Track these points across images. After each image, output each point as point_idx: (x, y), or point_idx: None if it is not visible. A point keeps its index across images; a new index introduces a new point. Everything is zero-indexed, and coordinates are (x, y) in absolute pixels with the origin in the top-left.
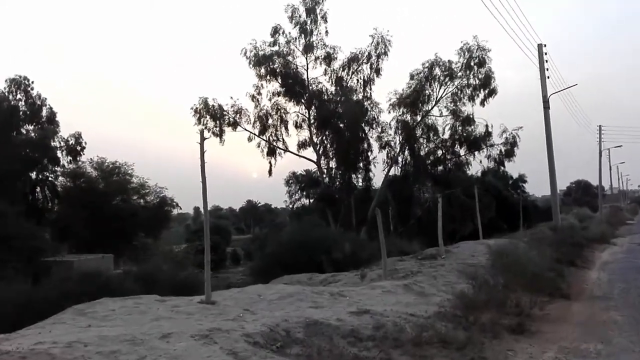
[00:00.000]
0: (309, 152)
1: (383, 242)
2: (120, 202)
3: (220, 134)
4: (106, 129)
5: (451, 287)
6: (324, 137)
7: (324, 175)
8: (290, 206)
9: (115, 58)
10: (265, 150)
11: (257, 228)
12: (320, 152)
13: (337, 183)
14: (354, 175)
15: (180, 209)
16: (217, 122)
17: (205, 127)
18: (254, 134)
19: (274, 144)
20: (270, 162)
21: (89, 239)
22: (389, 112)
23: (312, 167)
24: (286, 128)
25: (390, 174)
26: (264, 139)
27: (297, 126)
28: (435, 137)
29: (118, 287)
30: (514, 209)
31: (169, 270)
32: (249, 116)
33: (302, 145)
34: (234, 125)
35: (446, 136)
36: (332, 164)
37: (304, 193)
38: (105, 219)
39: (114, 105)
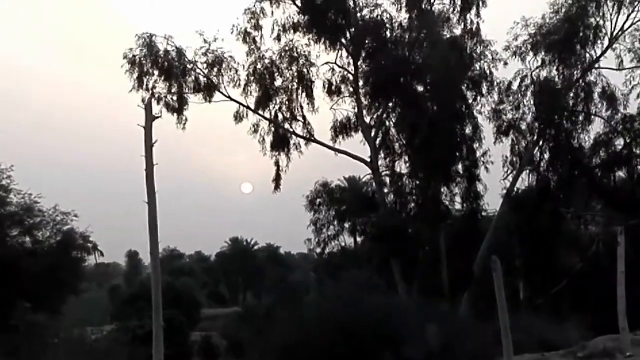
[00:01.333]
0: (355, 144)
1: (506, 326)
2: None
3: (179, 108)
4: None
5: None
6: (386, 114)
7: (386, 190)
8: (319, 250)
9: None
10: (269, 138)
11: (251, 293)
12: (379, 143)
13: (412, 205)
14: (444, 190)
15: (103, 255)
16: (174, 83)
17: (152, 95)
18: (247, 107)
19: (286, 125)
20: (277, 163)
21: None
22: (513, 61)
23: (362, 172)
24: (309, 95)
25: (518, 186)
26: (265, 117)
27: (333, 91)
28: (611, 111)
29: None
30: None
31: None
32: (237, 72)
33: (341, 129)
34: (208, 90)
35: (633, 110)
36: (402, 166)
37: (346, 225)
38: None
39: None
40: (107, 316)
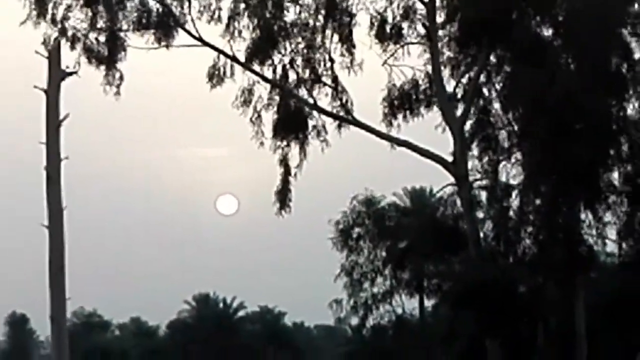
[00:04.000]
0: (424, 129)
1: None
2: None
3: (110, 56)
4: None
5: None
6: (484, 76)
7: (481, 215)
8: (355, 322)
9: None
10: (272, 114)
11: None
12: (470, 128)
13: (528, 242)
14: (587, 216)
15: None
16: (101, 11)
17: (63, 31)
18: (233, 58)
19: (302, 93)
20: (285, 160)
21: None
22: None
23: (437, 180)
24: (346, 39)
25: None
26: (264, 77)
27: (387, 34)
28: None
29: None
30: None
31: None
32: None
33: (400, 103)
34: (163, 25)
35: None
36: (510, 172)
37: (405, 276)
38: None
39: None
40: None
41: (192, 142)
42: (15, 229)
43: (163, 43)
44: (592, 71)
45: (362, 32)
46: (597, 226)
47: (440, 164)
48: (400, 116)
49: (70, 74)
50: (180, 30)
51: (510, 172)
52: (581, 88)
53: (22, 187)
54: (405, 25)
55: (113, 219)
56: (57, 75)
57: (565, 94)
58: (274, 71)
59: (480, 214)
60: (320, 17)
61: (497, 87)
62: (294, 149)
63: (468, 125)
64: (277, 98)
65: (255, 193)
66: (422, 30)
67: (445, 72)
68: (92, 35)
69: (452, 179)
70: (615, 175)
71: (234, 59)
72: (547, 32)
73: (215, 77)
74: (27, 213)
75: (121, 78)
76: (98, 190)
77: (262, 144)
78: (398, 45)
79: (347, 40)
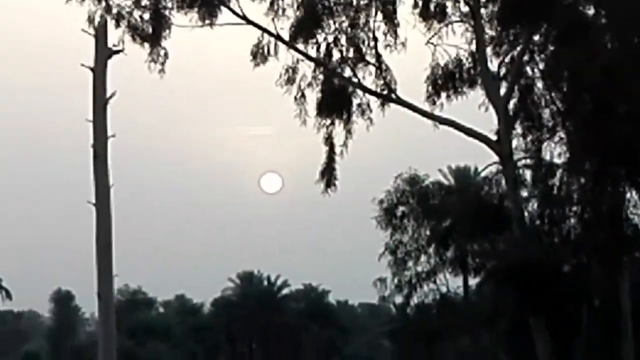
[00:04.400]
0: (468, 108)
1: None
2: None
3: (154, 34)
4: None
5: None
6: (527, 55)
7: (525, 194)
8: (400, 300)
9: None
10: (316, 93)
11: None
12: (513, 107)
13: (572, 222)
14: (633, 196)
15: (10, 297)
16: None
17: (108, 9)
18: (277, 37)
19: (347, 72)
20: (329, 138)
21: None
22: None
23: (481, 159)
24: (390, 18)
25: None
26: (308, 56)
27: (431, 13)
28: None
29: None
30: None
31: None
32: None
33: (444, 82)
34: (208, 3)
35: None
36: (555, 151)
37: (449, 254)
38: None
39: None
40: None
41: (237, 120)
42: (62, 207)
43: (207, 21)
44: (635, 50)
45: (406, 11)
46: None
47: (484, 142)
48: (443, 95)
49: (117, 52)
50: (224, 9)
51: (554, 151)
52: (623, 67)
53: (70, 165)
54: (449, 3)
55: (159, 197)
56: (103, 53)
57: (607, 72)
58: (318, 50)
59: (525, 193)
60: None
61: (540, 66)
62: (338, 127)
63: (511, 104)
64: (321, 77)
65: (299, 171)
66: (466, 9)
67: (488, 51)
68: (137, 13)
69: (496, 158)
70: None
71: (277, 37)
72: (590, 11)
73: (259, 55)
74: (75, 191)
75: (166, 56)
76: (144, 168)
77: (305, 122)
78: (442, 24)
79: (390, 19)
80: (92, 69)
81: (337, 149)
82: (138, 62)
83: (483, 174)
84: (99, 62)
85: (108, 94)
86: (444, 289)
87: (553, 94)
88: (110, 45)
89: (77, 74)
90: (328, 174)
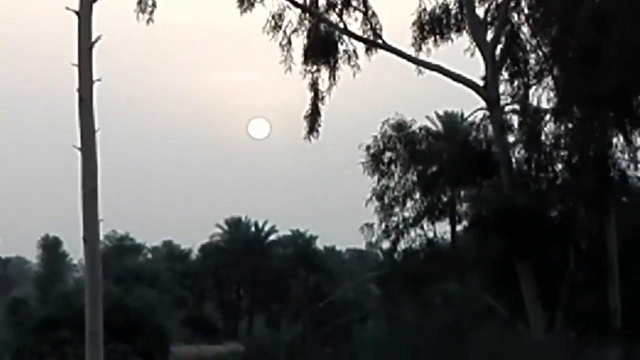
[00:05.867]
0: (455, 54)
1: None
2: None
3: None
4: None
5: None
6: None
7: (512, 139)
8: (387, 245)
9: None
10: (302, 40)
11: (262, 319)
12: (500, 52)
13: (559, 167)
14: (619, 140)
15: None
16: None
17: None
18: None
19: (333, 18)
20: (315, 85)
21: None
22: None
23: (468, 105)
24: None
25: None
26: (295, 2)
27: None
28: None
29: None
30: None
31: None
32: None
33: (431, 27)
34: None
35: None
36: (542, 96)
37: (436, 200)
38: None
39: None
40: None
41: (225, 66)
42: (48, 152)
43: None
44: None
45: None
46: (629, 150)
47: (471, 88)
48: (430, 40)
49: None
50: None
51: (542, 96)
52: (611, 11)
53: (55, 109)
54: None
55: (146, 142)
56: None
57: (595, 17)
58: None
59: (512, 139)
60: None
61: (526, 11)
62: (324, 73)
63: (498, 50)
64: (307, 23)
65: (287, 117)
66: None
67: None
68: None
69: (483, 104)
70: None
71: None
72: None
73: (246, 1)
74: (60, 135)
75: (154, 5)
76: (131, 113)
77: (290, 69)
78: None
79: None
80: (77, 13)
81: (322, 95)
82: (126, 9)
83: (470, 120)
84: (84, 5)
85: (93, 38)
86: (431, 235)
87: (539, 40)
88: None
89: (63, 18)
90: (311, 120)
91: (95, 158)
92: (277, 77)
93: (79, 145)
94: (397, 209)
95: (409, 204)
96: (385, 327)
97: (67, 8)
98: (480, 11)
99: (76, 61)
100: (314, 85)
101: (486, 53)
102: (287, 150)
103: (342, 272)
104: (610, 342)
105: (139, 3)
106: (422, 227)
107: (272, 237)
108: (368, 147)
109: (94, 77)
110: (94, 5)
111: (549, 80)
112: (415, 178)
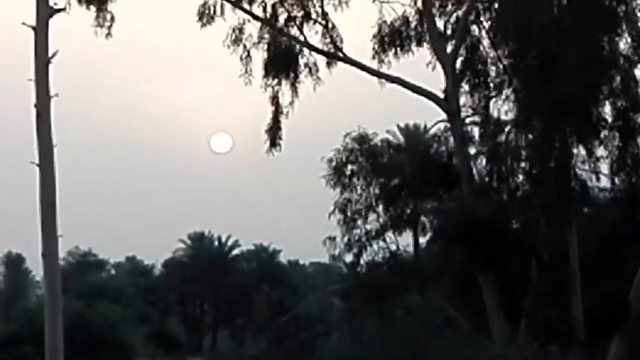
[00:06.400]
0: (416, 66)
1: None
2: None
3: None
4: None
5: None
6: (473, 12)
7: (473, 151)
8: (350, 259)
9: None
10: (263, 53)
11: (226, 334)
12: (460, 65)
13: (521, 179)
14: (579, 151)
15: None
16: None
17: None
18: None
19: (293, 31)
20: (276, 99)
21: None
22: None
23: (429, 117)
24: None
25: None
26: (255, 16)
27: None
28: None
29: None
30: None
31: None
32: None
33: (391, 40)
34: None
35: None
36: (503, 108)
37: (399, 212)
38: None
39: None
40: None
41: (187, 80)
42: (6, 167)
43: None
44: (583, 4)
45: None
46: (590, 161)
47: (432, 100)
48: (391, 53)
49: (59, 10)
50: None
51: (502, 108)
52: (570, 21)
53: (12, 124)
54: None
55: (107, 157)
56: (45, 11)
57: (554, 26)
58: (264, 9)
59: (473, 150)
60: None
61: (486, 23)
62: (285, 87)
63: (458, 63)
64: (267, 36)
65: (250, 131)
66: None
67: (435, 11)
68: None
69: (444, 116)
70: (607, 109)
71: None
72: None
73: (206, 15)
74: (18, 150)
75: (112, 19)
76: (90, 128)
77: (250, 82)
78: None
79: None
80: (33, 28)
81: (284, 109)
82: (84, 23)
83: (432, 132)
84: (40, 21)
85: (50, 53)
86: (393, 247)
87: (499, 52)
88: (52, 4)
89: (20, 34)
90: (273, 134)
91: (53, 174)
92: (239, 91)
93: (37, 161)
94: (359, 222)
95: (371, 216)
96: (349, 341)
97: (24, 23)
98: (440, 24)
99: (33, 76)
100: (274, 99)
101: (446, 65)
102: (250, 164)
103: (306, 285)
104: (572, 353)
105: (97, 17)
106: (384, 240)
107: (236, 251)
108: (330, 160)
109: (52, 93)
110: (50, 21)
111: (509, 92)
112: (377, 191)
